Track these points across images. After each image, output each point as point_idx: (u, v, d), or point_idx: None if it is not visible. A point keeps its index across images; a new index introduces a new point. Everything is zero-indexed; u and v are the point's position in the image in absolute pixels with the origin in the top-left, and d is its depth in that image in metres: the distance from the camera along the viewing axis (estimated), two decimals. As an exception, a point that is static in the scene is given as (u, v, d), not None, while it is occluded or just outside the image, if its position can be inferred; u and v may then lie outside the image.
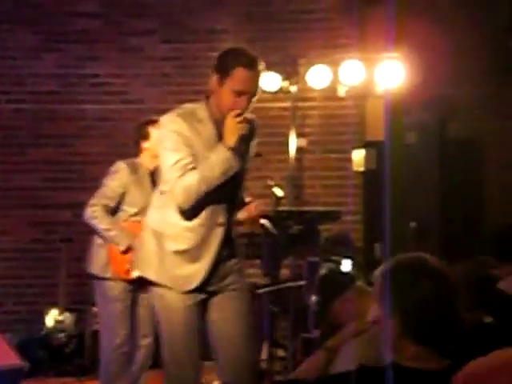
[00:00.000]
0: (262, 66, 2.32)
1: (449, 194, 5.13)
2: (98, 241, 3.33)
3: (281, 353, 4.55)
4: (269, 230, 2.96)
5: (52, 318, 4.62)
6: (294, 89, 5.34)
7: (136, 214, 3.27)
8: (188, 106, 2.36)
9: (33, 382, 4.01)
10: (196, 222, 2.30)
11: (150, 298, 2.40)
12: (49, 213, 5.30)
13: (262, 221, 2.99)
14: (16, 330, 4.40)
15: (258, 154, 3.82)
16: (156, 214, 2.36)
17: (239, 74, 2.25)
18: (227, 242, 2.35)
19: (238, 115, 2.27)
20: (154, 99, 5.47)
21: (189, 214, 2.28)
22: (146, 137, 3.35)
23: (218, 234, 2.32)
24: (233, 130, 2.26)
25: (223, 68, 2.26)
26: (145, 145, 3.36)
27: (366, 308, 2.37)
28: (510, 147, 5.57)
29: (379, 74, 5.03)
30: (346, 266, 4.51)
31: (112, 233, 3.22)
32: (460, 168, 5.24)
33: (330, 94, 5.31)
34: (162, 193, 2.36)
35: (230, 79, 2.25)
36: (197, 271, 2.29)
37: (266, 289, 2.78)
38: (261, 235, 3.72)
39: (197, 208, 2.28)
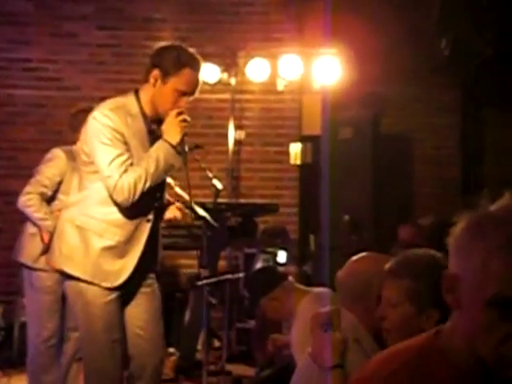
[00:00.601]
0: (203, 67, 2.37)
1: (380, 187, 5.30)
2: (30, 230, 3.24)
3: (216, 343, 4.60)
4: (209, 221, 2.97)
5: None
6: (233, 81, 5.36)
7: None
8: (119, 99, 2.33)
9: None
10: (124, 217, 2.28)
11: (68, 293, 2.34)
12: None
13: (201, 212, 3.00)
14: None
15: (197, 146, 3.83)
16: (78, 209, 2.30)
17: (187, 75, 2.26)
18: (152, 238, 2.36)
19: (180, 113, 2.28)
20: (90, 86, 5.34)
21: (121, 209, 2.26)
22: (79, 127, 3.28)
23: (146, 229, 2.31)
24: (176, 129, 2.25)
25: (169, 65, 2.25)
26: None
27: (293, 306, 2.45)
28: (435, 144, 5.83)
29: (317, 69, 5.13)
30: (282, 257, 4.61)
31: (47, 222, 3.14)
32: (391, 163, 5.43)
33: (269, 87, 5.36)
34: (82, 188, 2.31)
35: (176, 78, 2.24)
36: (124, 267, 2.28)
37: (206, 280, 2.80)
38: (200, 227, 3.73)
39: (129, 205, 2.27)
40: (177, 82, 2.25)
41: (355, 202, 5.18)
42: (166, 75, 2.24)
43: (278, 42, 5.30)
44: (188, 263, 5.37)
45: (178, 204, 2.90)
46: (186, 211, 3.51)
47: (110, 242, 2.26)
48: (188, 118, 2.31)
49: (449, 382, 0.99)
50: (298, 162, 5.51)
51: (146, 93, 2.29)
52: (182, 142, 2.30)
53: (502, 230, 0.97)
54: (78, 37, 5.42)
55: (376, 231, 5.27)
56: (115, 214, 2.26)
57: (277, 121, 5.60)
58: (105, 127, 2.21)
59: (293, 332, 2.46)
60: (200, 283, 2.76)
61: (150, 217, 2.32)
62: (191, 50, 2.35)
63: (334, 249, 4.74)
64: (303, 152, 5.50)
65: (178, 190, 2.99)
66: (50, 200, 3.21)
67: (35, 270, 3.20)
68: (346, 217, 5.15)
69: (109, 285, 2.26)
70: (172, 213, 2.98)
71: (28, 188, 3.19)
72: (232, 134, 5.40)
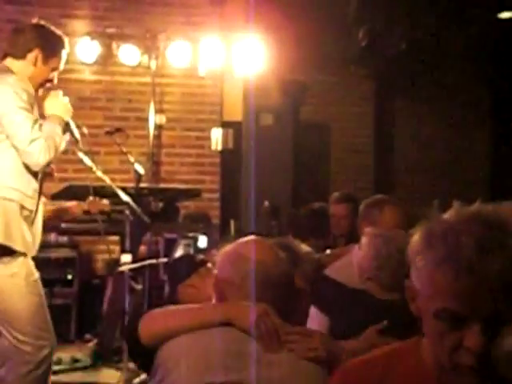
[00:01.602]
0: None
1: (300, 174, 5.44)
2: None
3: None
4: (132, 206, 2.94)
5: None
6: (153, 64, 5.28)
7: None
8: (6, 68, 2.40)
9: None
10: (33, 189, 2.35)
11: None
12: None
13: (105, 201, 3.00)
14: None
15: (118, 129, 3.76)
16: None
17: (62, 55, 2.51)
18: None
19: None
20: None
21: (31, 179, 2.33)
22: None
23: (40, 198, 2.42)
24: (66, 108, 2.45)
25: (52, 48, 2.46)
26: None
27: (210, 292, 2.48)
28: (352, 132, 6.04)
29: (238, 54, 5.15)
30: (203, 242, 4.62)
31: None
32: (310, 150, 5.58)
33: (191, 72, 5.33)
34: None
35: (56, 59, 2.47)
36: (36, 236, 2.37)
37: (129, 266, 2.77)
38: (121, 212, 3.67)
39: (32, 177, 2.34)
40: (55, 62, 2.47)
41: (275, 188, 5.28)
42: (46, 56, 2.43)
43: (200, 26, 5.27)
44: (105, 249, 5.27)
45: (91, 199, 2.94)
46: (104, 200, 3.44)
47: (27, 212, 2.31)
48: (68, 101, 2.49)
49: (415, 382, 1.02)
50: (219, 147, 5.53)
51: (22, 68, 2.39)
52: (68, 125, 2.45)
53: (446, 242, 0.95)
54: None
55: (293, 218, 5.39)
56: (29, 184, 2.32)
57: (198, 106, 5.58)
58: (23, 91, 2.29)
59: None
60: (123, 268, 2.73)
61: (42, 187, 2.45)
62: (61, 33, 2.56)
63: (254, 234, 4.82)
64: (224, 138, 5.52)
65: (99, 174, 2.94)
66: None
67: None
68: (266, 202, 5.24)
69: (32, 253, 2.32)
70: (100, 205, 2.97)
71: None
72: (152, 118, 5.33)
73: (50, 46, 2.44)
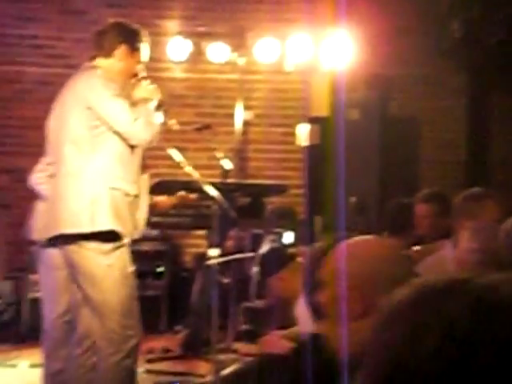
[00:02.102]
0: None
1: (387, 169, 5.31)
2: (40, 207, 3.26)
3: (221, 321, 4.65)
4: (219, 201, 2.99)
5: (-12, 286, 4.50)
6: (241, 61, 5.34)
7: None
8: (94, 67, 2.58)
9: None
10: (134, 174, 2.48)
11: (78, 262, 2.41)
12: (-15, 177, 5.12)
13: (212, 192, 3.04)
14: None
15: (207, 126, 3.83)
16: (105, 173, 2.41)
17: (145, 48, 2.63)
18: None
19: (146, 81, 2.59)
20: (98, 65, 5.33)
21: (134, 165, 2.46)
22: None
23: (146, 183, 2.58)
24: (153, 92, 2.58)
25: (136, 43, 2.58)
26: None
27: (299, 286, 2.49)
28: (442, 127, 5.81)
29: (326, 49, 5.10)
30: (289, 238, 4.63)
31: None
32: (398, 145, 5.42)
33: (278, 67, 5.34)
34: (93, 152, 2.43)
35: (139, 53, 2.60)
36: (139, 221, 2.52)
37: (217, 259, 2.83)
38: (209, 206, 3.75)
39: (134, 157, 2.47)
40: (140, 55, 2.61)
41: (362, 184, 5.19)
42: (133, 51, 2.56)
43: (288, 22, 5.27)
44: (194, 243, 5.41)
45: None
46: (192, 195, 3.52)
47: (130, 198, 2.45)
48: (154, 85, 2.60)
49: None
50: (305, 143, 5.51)
51: (111, 66, 2.54)
52: (159, 107, 2.57)
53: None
54: (86, 14, 5.39)
55: (382, 213, 5.28)
56: (131, 170, 2.46)
57: (285, 102, 5.59)
58: (112, 82, 2.46)
59: (297, 310, 2.50)
60: (211, 262, 2.79)
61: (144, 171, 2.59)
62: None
63: (341, 230, 4.76)
64: (311, 133, 5.49)
65: (188, 169, 3.01)
66: None
67: (46, 247, 3.23)
68: (353, 198, 5.16)
69: (134, 237, 2.48)
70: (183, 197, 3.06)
71: (38, 166, 3.22)
72: (240, 115, 5.40)
73: (133, 40, 2.58)
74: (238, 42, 5.20)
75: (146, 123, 2.41)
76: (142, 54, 2.59)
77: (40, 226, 3.25)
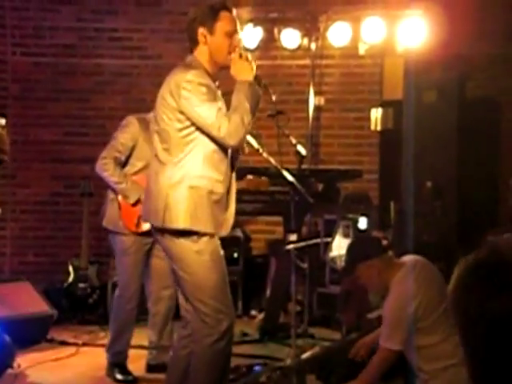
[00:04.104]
0: (241, 13, 2.59)
1: (465, 153, 5.13)
2: (110, 195, 3.39)
3: (297, 307, 4.68)
4: (297, 187, 3.00)
5: (75, 269, 4.73)
6: (313, 46, 5.31)
7: (143, 169, 3.31)
8: (188, 64, 2.46)
9: (60, 329, 4.16)
10: (223, 172, 2.45)
11: (171, 249, 2.45)
12: (69, 167, 5.35)
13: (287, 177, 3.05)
14: (37, 280, 4.50)
15: (279, 112, 3.85)
16: (186, 173, 2.41)
17: (224, 15, 2.45)
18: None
19: (241, 55, 2.43)
20: (173, 55, 5.41)
21: (220, 165, 2.44)
22: None
23: (233, 182, 2.53)
24: (246, 68, 2.41)
25: (208, 17, 2.44)
26: None
27: (388, 278, 2.48)
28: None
29: (400, 31, 4.98)
30: (363, 223, 4.59)
31: (122, 185, 3.28)
32: (477, 127, 5.23)
33: (350, 51, 5.26)
34: (177, 153, 2.42)
35: (219, 23, 2.43)
36: (229, 217, 2.50)
37: (296, 244, 2.85)
38: (283, 192, 3.77)
39: (223, 156, 2.44)
40: (221, 25, 2.43)
41: (438, 168, 5.05)
42: (210, 27, 2.43)
43: (361, 5, 5.17)
44: (267, 229, 5.45)
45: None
46: (264, 178, 3.54)
47: (217, 196, 2.43)
48: (250, 56, 2.46)
49: None
50: (379, 127, 5.41)
51: (201, 54, 2.45)
52: (257, 78, 2.44)
53: None
54: (161, 5, 5.51)
55: (460, 198, 5.13)
56: (217, 170, 2.44)
57: (357, 86, 5.51)
58: (200, 86, 2.36)
59: (385, 306, 2.50)
60: (290, 247, 2.81)
61: (231, 172, 2.53)
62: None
63: (416, 215, 4.67)
64: (384, 117, 5.39)
65: (268, 156, 3.04)
66: (123, 165, 3.35)
67: (116, 233, 3.36)
68: (429, 183, 5.04)
69: (222, 234, 2.47)
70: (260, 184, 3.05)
71: (103, 153, 3.35)
72: (312, 100, 5.37)
73: (206, 14, 2.43)
74: (310, 26, 5.17)
75: (232, 128, 2.33)
76: (225, 24, 2.42)
77: (111, 214, 3.38)
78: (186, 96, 2.34)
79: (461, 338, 0.77)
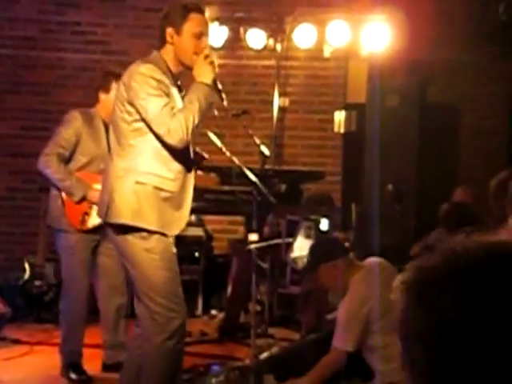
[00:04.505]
0: (208, 12, 2.54)
1: (426, 157, 5.23)
2: (53, 191, 3.31)
3: (257, 307, 4.69)
4: (259, 187, 3.00)
5: (31, 266, 4.62)
6: (278, 47, 5.32)
7: (87, 164, 3.26)
8: (151, 58, 2.45)
9: (14, 328, 4.05)
10: (176, 170, 2.41)
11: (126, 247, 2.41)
12: (27, 161, 5.21)
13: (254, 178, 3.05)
14: (-8, 277, 4.40)
15: (245, 112, 3.84)
16: (134, 168, 2.38)
17: (195, 18, 2.45)
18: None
19: (207, 57, 2.41)
20: (137, 51, 5.34)
21: (172, 162, 2.40)
22: (105, 89, 3.32)
23: (191, 180, 2.50)
24: (207, 70, 2.41)
25: (177, 18, 2.43)
26: (102, 96, 3.33)
27: (348, 279, 2.51)
28: (483, 114, 5.69)
29: (364, 35, 5.04)
30: (324, 225, 4.62)
31: (67, 183, 3.19)
32: (437, 132, 5.34)
33: (315, 54, 5.30)
34: (125, 146, 2.39)
35: (187, 24, 2.42)
36: (181, 216, 2.45)
37: (257, 244, 2.85)
38: (246, 192, 3.76)
39: (177, 155, 2.40)
40: (189, 27, 2.42)
41: (399, 171, 5.13)
42: (177, 27, 2.42)
43: (326, 8, 5.21)
44: (229, 228, 5.44)
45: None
46: (212, 175, 3.52)
47: (167, 194, 2.39)
48: (215, 60, 2.45)
49: None
50: (342, 129, 5.47)
51: (167, 53, 2.44)
52: (215, 83, 2.44)
53: None
54: (126, 1, 5.43)
55: (419, 201, 5.22)
56: (168, 167, 2.40)
57: (322, 88, 5.55)
58: (151, 78, 2.34)
59: (340, 307, 2.52)
60: (251, 247, 2.81)
61: (191, 170, 2.50)
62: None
63: (378, 218, 4.73)
64: (347, 120, 5.45)
65: (231, 156, 3.03)
66: (67, 161, 3.26)
67: (60, 231, 3.29)
68: (390, 186, 5.11)
69: (171, 233, 2.43)
70: (209, 181, 3.04)
71: (46, 149, 3.24)
72: (276, 101, 5.38)
73: (175, 15, 2.42)
74: (276, 27, 5.18)
75: (176, 127, 2.29)
76: (193, 25, 2.40)
77: (53, 211, 3.32)
78: (135, 88, 2.33)
79: (406, 353, 0.73)
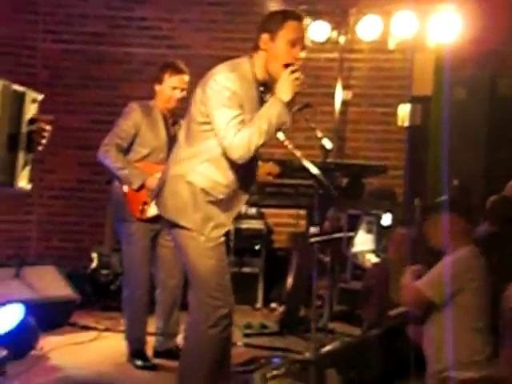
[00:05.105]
0: (307, 21, 2.44)
1: (494, 152, 5.05)
2: (115, 182, 3.40)
3: (317, 301, 4.67)
4: (321, 180, 2.98)
5: (98, 256, 4.78)
6: (342, 40, 5.26)
7: (147, 156, 3.32)
8: (236, 63, 2.41)
9: (83, 314, 4.22)
10: (231, 179, 2.41)
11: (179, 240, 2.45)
12: (95, 154, 5.39)
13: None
14: (62, 265, 4.56)
15: (307, 105, 3.82)
16: (189, 166, 2.40)
17: (291, 25, 2.37)
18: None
19: (294, 72, 2.33)
20: (201, 45, 5.44)
21: (228, 173, 2.40)
22: (159, 80, 3.39)
23: (243, 199, 2.50)
24: (289, 86, 2.32)
25: (274, 24, 2.37)
26: (157, 88, 3.39)
27: (456, 245, 2.53)
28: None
29: (432, 26, 4.91)
30: (387, 220, 4.55)
31: (125, 171, 3.27)
32: (507, 127, 5.14)
33: (379, 46, 5.21)
34: (191, 144, 2.41)
35: (283, 31, 2.35)
36: (226, 220, 2.45)
37: (319, 238, 2.84)
38: (307, 186, 3.75)
39: (236, 167, 2.38)
40: (284, 34, 2.35)
41: (466, 167, 4.98)
42: (273, 34, 2.36)
43: (392, -1, 5.11)
44: (289, 222, 5.44)
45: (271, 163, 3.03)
46: (271, 163, 3.51)
47: (214, 198, 2.40)
48: (301, 76, 2.36)
49: None
50: (406, 123, 5.36)
51: (258, 59, 2.40)
52: (293, 100, 2.36)
53: None
54: (191, -5, 5.51)
55: (487, 197, 5.05)
56: (224, 175, 2.39)
57: (386, 81, 5.45)
58: (225, 89, 2.31)
59: (439, 264, 2.57)
60: (313, 240, 2.80)
61: (248, 192, 2.50)
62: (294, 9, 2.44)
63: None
64: (412, 113, 5.33)
65: (293, 149, 3.02)
66: (126, 152, 3.34)
67: (121, 220, 3.38)
68: (456, 181, 4.97)
69: (215, 235, 2.41)
70: (268, 168, 3.06)
71: (105, 140, 3.35)
72: (339, 94, 5.33)
73: (272, 21, 2.37)
74: (340, 20, 5.12)
75: (239, 143, 2.27)
76: (288, 33, 2.33)
77: (116, 201, 3.41)
78: (209, 94, 2.33)
79: None
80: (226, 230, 2.45)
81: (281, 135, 2.97)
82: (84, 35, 5.53)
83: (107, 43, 5.53)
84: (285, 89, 2.31)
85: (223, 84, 2.30)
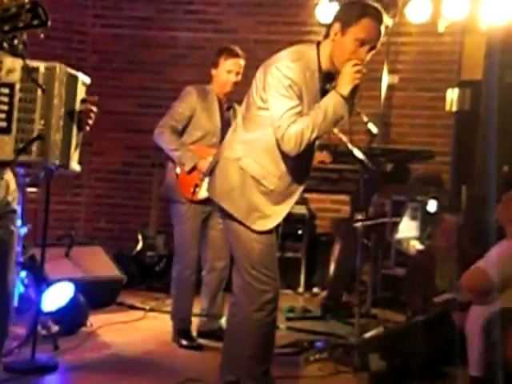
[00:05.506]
0: (389, 22, 2.33)
1: (547, 139, 4.89)
2: (169, 164, 3.45)
3: (360, 287, 4.65)
4: (367, 165, 2.96)
5: (144, 238, 4.88)
6: (390, 22, 5.15)
7: (200, 138, 3.36)
8: (302, 51, 2.35)
9: (129, 294, 4.32)
10: (284, 171, 2.36)
11: (227, 225, 2.45)
12: (141, 137, 5.48)
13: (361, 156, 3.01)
14: (108, 246, 4.67)
15: (353, 89, 3.77)
16: (244, 151, 2.37)
17: (366, 23, 2.27)
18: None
19: (356, 65, 2.26)
20: (247, 29, 5.44)
21: (283, 164, 2.35)
22: (215, 64, 3.41)
23: (297, 191, 2.42)
24: (349, 79, 2.26)
25: (349, 17, 2.27)
26: (213, 72, 3.41)
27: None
28: None
29: (484, 8, 4.76)
30: (432, 206, 4.48)
31: (178, 152, 3.31)
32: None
33: (428, 28, 5.09)
34: (249, 129, 2.38)
35: (355, 27, 2.26)
36: (275, 213, 2.37)
37: (363, 222, 2.82)
38: (352, 171, 3.73)
39: (288, 158, 2.33)
40: (355, 30, 2.26)
41: (517, 153, 4.84)
42: (345, 26, 2.27)
43: (443, -20, 4.97)
44: (331, 207, 5.42)
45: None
46: (325, 153, 3.49)
47: (265, 189, 2.35)
48: (364, 70, 2.28)
49: None
50: (454, 108, 5.23)
51: (325, 47, 2.34)
52: (353, 93, 2.30)
53: None
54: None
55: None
56: (276, 165, 2.35)
57: (434, 65, 5.33)
58: (286, 79, 2.27)
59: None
60: (357, 225, 2.79)
61: (302, 185, 2.43)
62: (376, 4, 2.31)
63: (489, 201, 4.51)
64: (461, 98, 5.20)
65: (338, 133, 3.01)
66: (181, 134, 3.37)
67: (173, 201, 3.42)
68: (506, 167, 4.84)
69: (258, 228, 2.35)
70: (321, 157, 3.03)
71: (161, 122, 3.39)
72: (385, 79, 5.25)
73: (346, 14, 2.28)
74: (388, 2, 5.01)
75: (292, 135, 2.23)
76: (360, 31, 2.23)
77: (169, 182, 3.45)
78: (269, 81, 2.30)
79: None
80: (276, 223, 2.37)
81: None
82: (133, 19, 5.60)
83: (154, 28, 5.59)
84: (345, 82, 2.25)
85: (284, 73, 2.26)
